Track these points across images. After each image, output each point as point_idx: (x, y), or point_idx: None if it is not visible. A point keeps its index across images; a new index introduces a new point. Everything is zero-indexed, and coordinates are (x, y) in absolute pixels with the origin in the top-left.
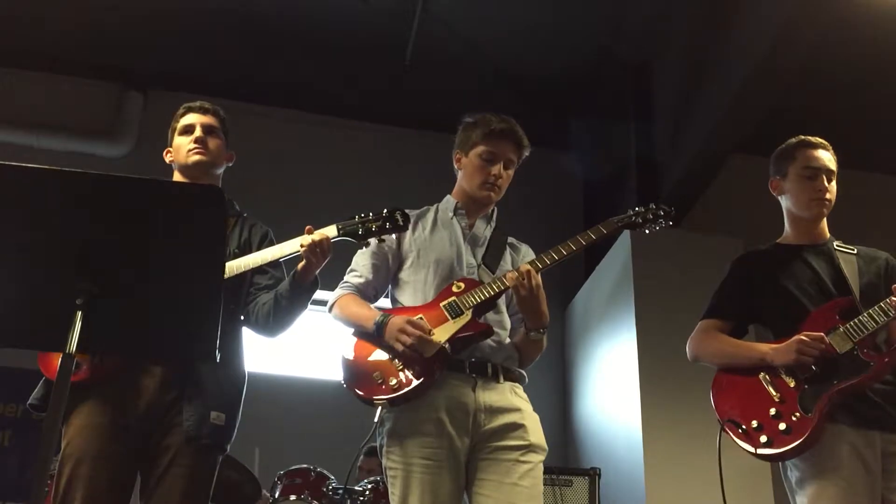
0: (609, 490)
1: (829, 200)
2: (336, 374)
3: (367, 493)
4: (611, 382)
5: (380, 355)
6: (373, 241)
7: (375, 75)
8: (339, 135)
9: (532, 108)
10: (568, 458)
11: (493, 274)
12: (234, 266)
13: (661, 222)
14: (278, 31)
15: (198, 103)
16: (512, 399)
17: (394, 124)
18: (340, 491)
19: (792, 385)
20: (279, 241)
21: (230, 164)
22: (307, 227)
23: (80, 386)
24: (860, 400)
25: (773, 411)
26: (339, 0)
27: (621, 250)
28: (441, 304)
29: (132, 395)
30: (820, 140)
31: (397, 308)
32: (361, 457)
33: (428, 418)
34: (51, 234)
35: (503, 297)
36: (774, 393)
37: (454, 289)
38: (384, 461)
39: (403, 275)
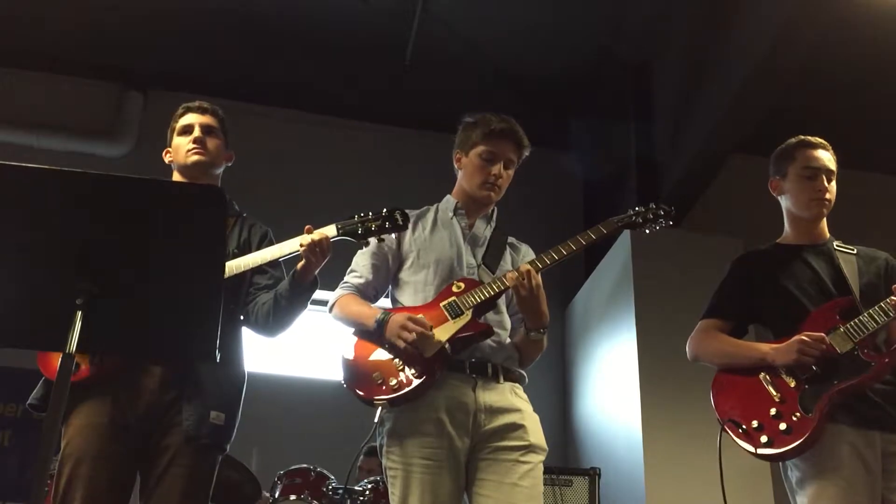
0: (609, 490)
1: (829, 200)
2: (336, 374)
3: (367, 493)
4: (611, 382)
5: (380, 355)
6: (372, 240)
7: (375, 75)
8: (339, 135)
9: (532, 108)
10: (568, 458)
11: (493, 274)
12: (233, 266)
13: (661, 222)
14: (278, 31)
15: (196, 103)
16: (512, 399)
17: (394, 124)
18: (340, 491)
19: (792, 385)
20: (279, 241)
21: (229, 164)
22: (306, 227)
23: (80, 386)
24: (860, 400)
25: (773, 411)
26: (339, 0)
27: (621, 250)
28: (441, 305)
29: (132, 394)
30: (820, 140)
31: (398, 308)
32: (361, 457)
33: (428, 418)
34: (51, 234)
35: (503, 297)
36: (775, 393)
37: (454, 289)
38: (384, 461)
39: (403, 275)
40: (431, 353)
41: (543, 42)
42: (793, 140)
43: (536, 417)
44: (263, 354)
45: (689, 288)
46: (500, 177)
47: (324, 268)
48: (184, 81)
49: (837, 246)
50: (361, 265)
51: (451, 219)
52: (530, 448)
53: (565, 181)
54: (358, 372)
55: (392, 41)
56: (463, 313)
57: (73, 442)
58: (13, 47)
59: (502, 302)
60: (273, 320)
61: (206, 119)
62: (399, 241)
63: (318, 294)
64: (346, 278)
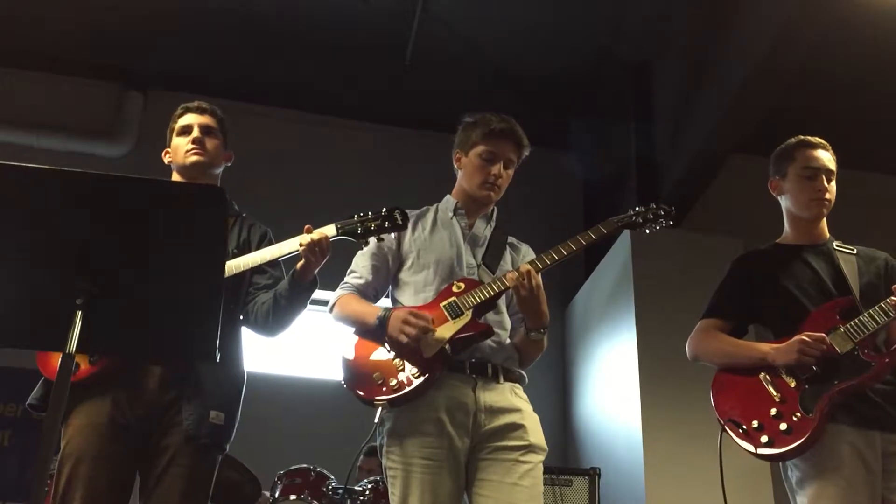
0: (609, 490)
1: (829, 200)
2: (336, 374)
3: (367, 493)
4: (611, 382)
5: (380, 355)
6: (372, 240)
7: (375, 75)
8: (339, 135)
9: (532, 108)
10: (568, 458)
11: (493, 274)
12: (232, 265)
13: (661, 222)
14: (278, 31)
15: (195, 103)
16: (512, 399)
17: (394, 124)
18: (340, 491)
19: (792, 385)
20: (278, 241)
21: (229, 164)
22: (306, 227)
23: (80, 386)
24: (861, 400)
25: (773, 411)
26: (339, 0)
27: (621, 250)
28: (441, 305)
29: (132, 394)
30: (819, 140)
31: (398, 308)
32: (361, 457)
33: (428, 418)
34: (51, 234)
35: (503, 297)
36: (775, 393)
37: (454, 289)
38: (384, 461)
39: (403, 275)
40: (431, 354)
41: (543, 42)
42: (793, 140)
43: (536, 417)
44: (263, 354)
45: (689, 288)
46: (499, 176)
47: (323, 267)
48: (184, 81)
49: (837, 246)
50: (361, 266)
51: (451, 219)
52: (530, 448)
53: (565, 181)
54: (358, 372)
55: (392, 41)
56: (463, 313)
57: (72, 442)
58: (13, 47)
59: (502, 302)
60: (273, 320)
61: (204, 119)
62: (399, 242)
63: (318, 294)
64: (346, 279)
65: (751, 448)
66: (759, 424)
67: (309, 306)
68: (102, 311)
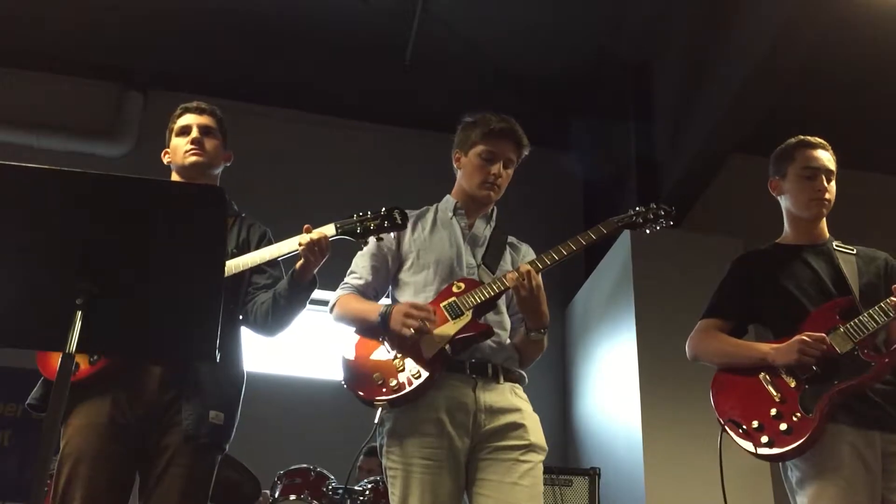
0: (609, 490)
1: (829, 200)
2: (336, 374)
3: (367, 493)
4: (611, 382)
5: (381, 355)
6: (371, 241)
7: (375, 75)
8: (339, 135)
9: (532, 108)
10: (568, 458)
11: (493, 274)
12: (232, 265)
13: (661, 222)
14: (278, 31)
15: (194, 104)
16: (512, 399)
17: (394, 124)
18: (340, 491)
19: (792, 385)
20: (278, 241)
21: (228, 164)
22: (305, 226)
23: (80, 386)
24: (860, 400)
25: (773, 411)
26: (339, 0)
27: (621, 250)
28: (441, 305)
29: (131, 394)
30: (819, 140)
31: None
32: (361, 457)
33: (428, 418)
34: (51, 234)
35: (503, 297)
36: (775, 393)
37: (454, 289)
38: (384, 461)
39: (403, 275)
40: (432, 354)
41: (543, 42)
42: (792, 140)
43: (536, 417)
44: (263, 354)
45: (689, 288)
46: (499, 176)
47: (323, 267)
48: (184, 81)
49: (837, 246)
50: (361, 266)
51: (451, 219)
52: (530, 447)
53: (565, 181)
54: (358, 372)
55: (392, 41)
56: (463, 314)
57: (72, 442)
58: (13, 47)
59: (502, 302)
60: (272, 320)
61: (203, 119)
62: (398, 242)
63: (318, 294)
64: (345, 280)
65: (751, 448)
66: (759, 424)
67: (309, 306)
68: (102, 311)
